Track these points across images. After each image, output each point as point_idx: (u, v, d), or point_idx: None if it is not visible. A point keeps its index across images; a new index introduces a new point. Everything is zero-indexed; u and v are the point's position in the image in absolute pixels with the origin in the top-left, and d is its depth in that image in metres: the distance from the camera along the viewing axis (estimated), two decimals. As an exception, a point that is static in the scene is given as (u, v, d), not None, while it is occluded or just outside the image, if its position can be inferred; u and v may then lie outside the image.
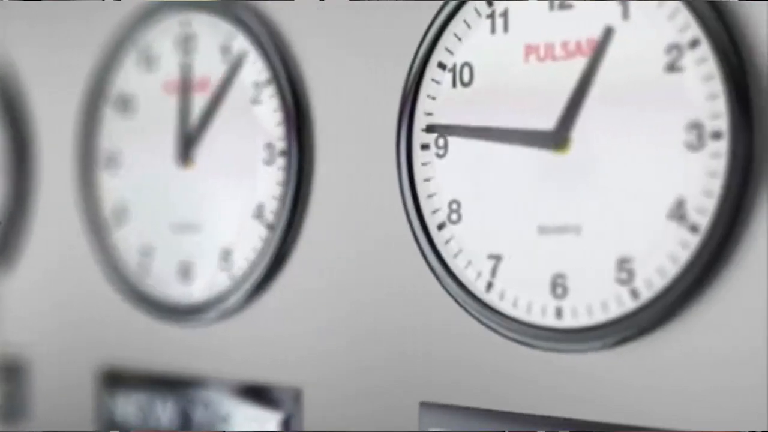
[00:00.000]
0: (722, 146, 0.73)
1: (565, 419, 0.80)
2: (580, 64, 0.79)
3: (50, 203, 1.20)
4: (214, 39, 1.03)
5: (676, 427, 0.74)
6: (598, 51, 0.78)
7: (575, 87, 0.79)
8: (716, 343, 0.75)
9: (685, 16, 0.75)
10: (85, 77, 1.15)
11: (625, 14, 0.78)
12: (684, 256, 0.74)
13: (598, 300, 0.78)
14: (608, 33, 0.78)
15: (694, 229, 0.74)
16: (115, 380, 1.12)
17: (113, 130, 1.12)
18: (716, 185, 0.73)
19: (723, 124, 0.73)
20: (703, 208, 0.74)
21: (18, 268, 1.18)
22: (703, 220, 0.74)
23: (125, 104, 1.11)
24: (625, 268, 0.77)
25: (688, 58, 0.75)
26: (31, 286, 1.19)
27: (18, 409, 1.11)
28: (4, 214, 1.16)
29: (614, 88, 0.78)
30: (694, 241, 0.74)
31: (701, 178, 0.74)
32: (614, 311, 0.78)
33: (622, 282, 0.77)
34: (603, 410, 0.79)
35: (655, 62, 0.76)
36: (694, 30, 0.74)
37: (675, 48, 0.75)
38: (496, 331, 0.83)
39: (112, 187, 1.12)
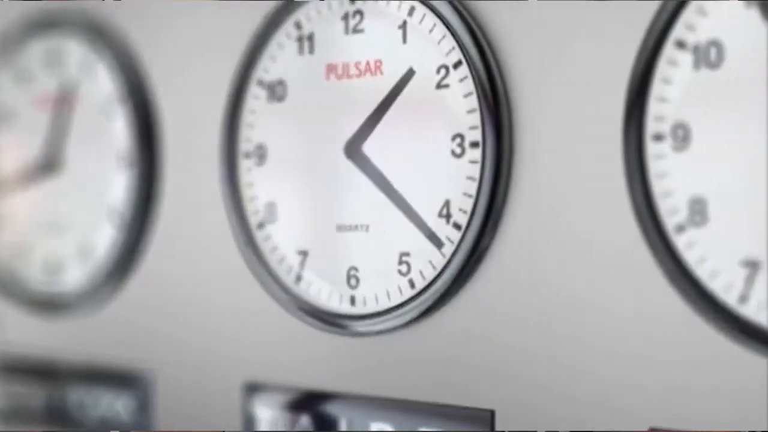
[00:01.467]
0: (478, 154, 0.83)
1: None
2: (370, 81, 0.90)
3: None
4: (75, 56, 1.14)
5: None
6: (399, 86, 0.88)
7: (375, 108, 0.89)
8: (481, 324, 0.85)
9: (450, 41, 0.85)
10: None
11: (404, 39, 0.88)
12: (450, 249, 0.85)
13: (384, 289, 0.89)
14: (410, 74, 0.88)
15: (457, 226, 0.85)
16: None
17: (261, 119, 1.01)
18: (474, 188, 0.84)
19: (479, 134, 0.83)
20: (464, 208, 0.84)
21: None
22: (464, 218, 0.84)
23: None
24: (404, 261, 0.88)
25: (453, 77, 0.85)
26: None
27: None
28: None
29: (397, 103, 0.88)
30: (457, 236, 0.85)
31: (463, 181, 0.84)
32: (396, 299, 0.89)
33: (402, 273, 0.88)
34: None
35: (428, 80, 0.86)
36: (457, 53, 0.84)
37: (443, 68, 0.86)
38: (302, 319, 0.94)
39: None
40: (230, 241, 0.99)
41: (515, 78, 0.84)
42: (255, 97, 0.97)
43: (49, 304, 1.16)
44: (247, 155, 0.98)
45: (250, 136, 0.98)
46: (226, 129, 0.99)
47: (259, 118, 0.97)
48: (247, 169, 0.98)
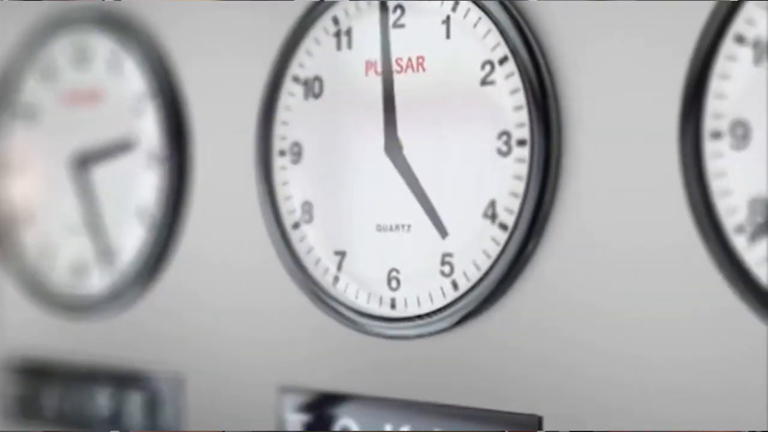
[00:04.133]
0: (526, 152, 0.81)
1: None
2: (411, 78, 0.87)
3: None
4: (104, 53, 1.12)
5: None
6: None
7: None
8: (528, 327, 0.82)
9: (495, 36, 0.83)
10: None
11: (448, 34, 0.86)
12: (496, 251, 0.83)
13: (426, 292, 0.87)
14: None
15: (503, 227, 0.83)
16: (21, 371, 1.18)
17: (19, 138, 1.19)
18: (521, 187, 0.81)
19: (526, 132, 0.81)
20: (511, 208, 0.82)
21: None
22: (511, 219, 0.82)
23: (29, 114, 1.18)
24: (447, 261, 0.85)
25: (499, 73, 0.83)
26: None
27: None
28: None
29: (438, 99, 0.86)
30: (503, 237, 0.82)
31: (509, 180, 0.82)
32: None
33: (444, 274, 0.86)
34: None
35: (472, 76, 0.84)
36: (503, 48, 0.83)
37: (488, 64, 0.83)
38: (341, 321, 0.91)
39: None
40: (264, 242, 0.97)
41: (564, 74, 0.81)
42: (290, 94, 0.95)
43: (75, 307, 1.14)
44: (282, 153, 0.96)
45: (285, 133, 0.96)
46: (260, 126, 0.97)
47: (295, 115, 0.95)
48: (281, 167, 0.96)
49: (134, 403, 1.09)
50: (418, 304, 0.88)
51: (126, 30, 1.09)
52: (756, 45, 0.72)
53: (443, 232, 0.86)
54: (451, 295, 0.86)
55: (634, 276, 0.78)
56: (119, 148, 1.10)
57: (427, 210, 0.87)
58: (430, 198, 0.87)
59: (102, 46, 1.11)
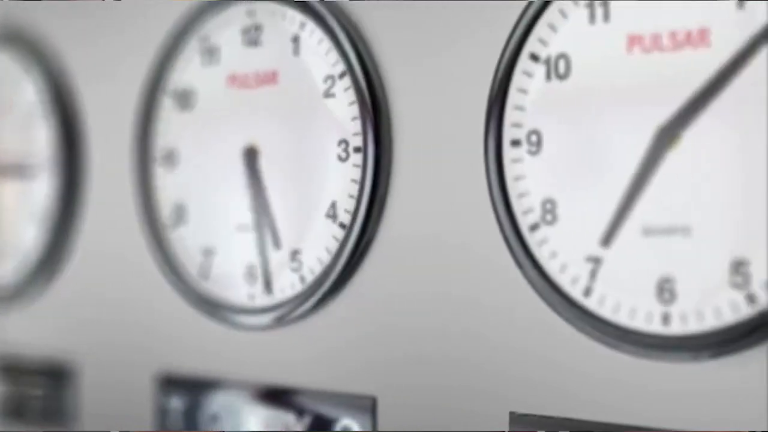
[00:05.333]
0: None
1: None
2: (690, 55, 0.75)
3: (106, 204, 1.15)
4: (278, 31, 0.98)
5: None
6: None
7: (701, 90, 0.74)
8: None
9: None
10: (142, 71, 1.09)
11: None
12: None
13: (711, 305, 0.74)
14: None
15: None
16: (173, 384, 1.06)
17: (171, 125, 1.07)
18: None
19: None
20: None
21: (67, 271, 1.17)
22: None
23: (185, 99, 1.05)
24: (741, 271, 0.73)
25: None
26: (82, 288, 1.17)
27: (64, 413, 1.11)
28: (53, 213, 1.16)
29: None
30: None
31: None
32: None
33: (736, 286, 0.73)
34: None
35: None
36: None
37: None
38: (593, 337, 0.79)
39: (169, 185, 1.06)
40: (494, 245, 0.85)
41: (394, 87, 0.90)
42: (526, 74, 0.83)
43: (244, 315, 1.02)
44: (516, 142, 0.83)
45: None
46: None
47: (532, 98, 0.83)
48: (514, 159, 0.83)
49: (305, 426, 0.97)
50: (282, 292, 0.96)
51: (22, 42, 1.18)
52: (546, 62, 0.81)
53: (277, 241, 0.96)
54: (298, 287, 0.95)
55: (447, 268, 0.87)
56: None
57: (268, 216, 0.97)
58: (270, 204, 0.97)
59: (276, 24, 0.99)
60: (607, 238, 0.77)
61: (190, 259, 1.04)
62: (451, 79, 0.87)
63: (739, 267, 0.72)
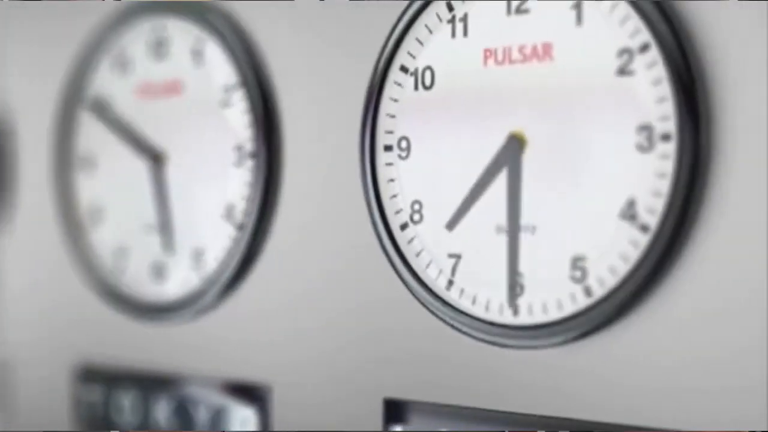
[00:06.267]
0: (671, 148, 0.74)
1: (526, 415, 0.82)
2: (536, 67, 0.80)
3: (28, 205, 1.20)
4: (186, 43, 1.04)
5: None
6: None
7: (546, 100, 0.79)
8: (666, 339, 0.76)
9: (635, 21, 0.76)
10: (62, 79, 1.16)
11: (579, 19, 0.79)
12: (635, 255, 0.76)
13: (554, 298, 0.80)
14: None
15: (644, 228, 0.76)
16: (92, 377, 1.13)
17: (90, 132, 1.13)
18: (665, 186, 0.74)
19: (671, 126, 0.74)
20: (653, 208, 0.75)
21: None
22: (653, 220, 0.75)
23: (101, 107, 1.12)
24: (578, 266, 0.78)
25: (639, 63, 0.76)
26: (11, 286, 1.20)
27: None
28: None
29: (570, 91, 0.79)
30: (644, 240, 0.75)
31: (651, 178, 0.75)
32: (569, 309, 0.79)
33: (576, 280, 0.78)
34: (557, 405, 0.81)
35: (607, 66, 0.77)
36: (644, 35, 0.75)
37: (626, 52, 0.76)
38: (457, 329, 0.84)
39: (88, 188, 1.13)
40: (369, 243, 0.90)
41: (285, 96, 0.94)
42: (397, 84, 0.88)
43: (154, 310, 1.07)
44: (388, 148, 0.89)
45: (391, 127, 0.89)
46: (364, 119, 0.90)
47: (402, 107, 0.88)
48: (387, 162, 0.89)
49: (208, 415, 1.03)
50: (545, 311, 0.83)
51: (211, 17, 1.03)
52: (414, 73, 0.87)
53: (170, 246, 1.02)
54: (584, 301, 0.79)
55: (329, 264, 0.93)
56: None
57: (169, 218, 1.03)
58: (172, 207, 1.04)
59: (185, 35, 1.04)
60: (451, 225, 0.84)
61: (104, 258, 1.11)
62: (333, 90, 0.93)
63: (577, 262, 0.78)
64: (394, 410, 0.89)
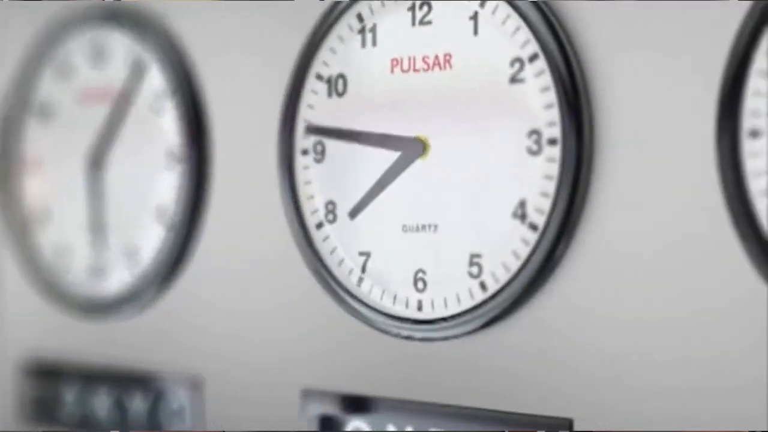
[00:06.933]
0: (557, 151, 0.78)
1: (426, 403, 0.87)
2: (438, 75, 0.85)
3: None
4: (125, 52, 1.09)
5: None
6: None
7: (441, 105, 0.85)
8: (557, 329, 0.80)
9: (525, 32, 0.80)
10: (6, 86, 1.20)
11: (476, 30, 0.83)
12: (525, 251, 0.80)
13: (453, 293, 0.84)
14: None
15: (533, 227, 0.80)
16: (36, 372, 1.18)
17: (35, 137, 1.18)
18: (552, 187, 0.79)
19: (557, 131, 0.78)
20: (541, 208, 0.79)
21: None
22: (541, 219, 0.79)
23: (45, 112, 1.17)
24: (475, 262, 0.83)
25: (529, 71, 0.80)
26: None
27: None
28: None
29: (468, 98, 0.83)
30: (533, 237, 0.80)
31: (539, 180, 0.79)
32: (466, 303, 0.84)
33: (473, 276, 0.83)
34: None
35: (501, 74, 0.81)
36: (533, 45, 0.80)
37: (518, 61, 0.81)
38: (367, 323, 0.89)
39: (33, 190, 1.18)
40: (288, 242, 0.95)
41: (596, 72, 0.80)
42: (313, 92, 0.93)
43: (92, 308, 1.12)
44: (305, 152, 0.94)
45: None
46: (282, 124, 0.95)
47: (318, 113, 0.93)
48: (304, 166, 0.94)
49: (147, 405, 1.08)
50: (445, 305, 0.88)
51: (146, 27, 1.08)
52: (328, 81, 0.91)
53: (106, 246, 1.08)
54: (480, 296, 0.84)
55: (662, 280, 0.76)
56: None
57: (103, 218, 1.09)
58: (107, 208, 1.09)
59: (121, 44, 1.10)
60: (353, 214, 0.90)
61: (47, 258, 1.16)
62: (256, 96, 0.98)
63: (474, 259, 0.83)
64: (311, 399, 0.94)
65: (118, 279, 1.09)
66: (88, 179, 1.11)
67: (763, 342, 0.71)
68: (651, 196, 0.76)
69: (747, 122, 0.71)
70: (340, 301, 0.91)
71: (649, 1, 0.76)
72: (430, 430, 0.86)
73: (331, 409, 0.92)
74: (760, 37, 0.71)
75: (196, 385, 1.03)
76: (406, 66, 0.87)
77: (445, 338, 0.85)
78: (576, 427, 0.79)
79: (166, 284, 1.05)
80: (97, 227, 1.10)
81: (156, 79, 1.06)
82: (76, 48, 1.13)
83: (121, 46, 1.09)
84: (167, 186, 1.04)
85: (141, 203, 1.07)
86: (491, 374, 0.84)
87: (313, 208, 0.93)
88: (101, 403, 1.11)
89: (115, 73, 1.09)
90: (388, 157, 0.87)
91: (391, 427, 0.88)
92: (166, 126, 1.05)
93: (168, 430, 1.05)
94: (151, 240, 1.06)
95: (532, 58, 0.80)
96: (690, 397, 0.75)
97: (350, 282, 0.90)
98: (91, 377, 1.12)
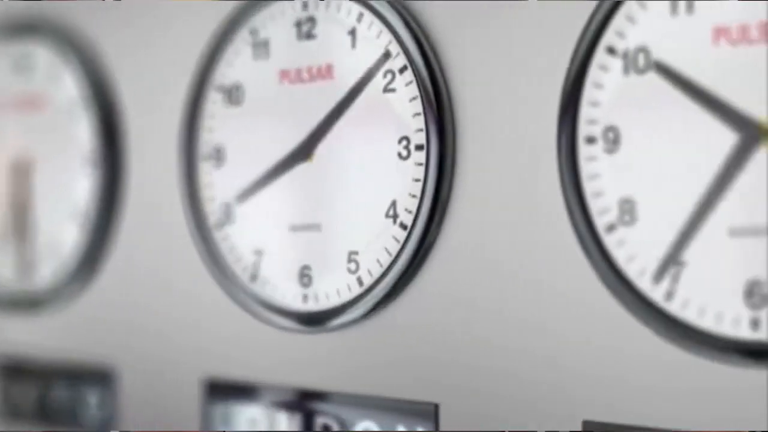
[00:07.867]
0: (423, 156, 0.85)
1: (314, 391, 0.93)
2: (321, 86, 0.91)
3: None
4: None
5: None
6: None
7: (328, 114, 0.91)
8: (425, 321, 0.86)
9: (395, 46, 0.87)
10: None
11: (354, 44, 0.90)
12: (395, 248, 0.86)
13: (334, 287, 0.91)
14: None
15: (403, 225, 0.86)
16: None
17: (220, 121, 1.02)
18: (419, 189, 0.85)
19: (423, 137, 0.85)
20: (410, 208, 0.86)
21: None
22: (409, 218, 0.86)
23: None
24: (353, 259, 0.89)
25: (399, 82, 0.87)
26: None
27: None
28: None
29: (347, 107, 0.90)
30: (403, 235, 0.86)
31: (409, 183, 0.86)
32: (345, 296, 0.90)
33: (351, 271, 0.89)
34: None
35: (376, 84, 0.88)
36: (402, 59, 0.86)
37: (390, 73, 0.87)
38: (260, 318, 0.96)
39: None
40: (189, 241, 1.02)
41: (458, 82, 0.85)
42: (213, 101, 1.00)
43: (22, 303, 1.19)
44: (206, 157, 1.00)
45: (208, 138, 1.01)
46: (184, 131, 1.02)
47: (217, 122, 1.00)
48: (205, 170, 1.00)
49: (74, 396, 1.13)
50: (328, 298, 0.93)
51: (65, 38, 1.14)
52: (625, 56, 0.77)
53: (30, 245, 1.13)
54: (357, 290, 0.90)
55: (518, 271, 0.81)
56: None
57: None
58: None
59: (42, 53, 1.16)
60: (241, 198, 0.97)
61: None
62: (165, 106, 1.06)
63: (351, 256, 0.89)
64: (212, 389, 1.00)
65: (41, 276, 1.16)
66: (14, 182, 1.18)
67: (602, 337, 0.78)
68: (504, 196, 0.82)
69: (584, 129, 0.78)
70: (233, 297, 0.98)
71: (502, 3, 0.82)
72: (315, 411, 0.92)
73: (231, 397, 0.99)
74: (595, 51, 0.77)
75: (110, 376, 1.09)
76: (293, 77, 0.94)
77: (329, 330, 0.91)
78: (442, 412, 0.84)
79: (86, 282, 1.12)
80: (19, 228, 1.18)
81: (72, 87, 1.12)
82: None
83: (41, 55, 1.15)
84: (84, 189, 1.11)
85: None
86: (370, 362, 0.90)
87: (212, 209, 1.00)
88: (24, 399, 1.18)
89: (36, 81, 1.16)
90: (273, 159, 0.94)
91: (283, 414, 0.95)
92: (82, 132, 1.11)
93: (84, 421, 1.11)
94: (71, 239, 1.12)
95: (402, 69, 0.86)
96: (622, 389, 0.77)
97: (243, 279, 0.97)
98: (11, 371, 1.19)
